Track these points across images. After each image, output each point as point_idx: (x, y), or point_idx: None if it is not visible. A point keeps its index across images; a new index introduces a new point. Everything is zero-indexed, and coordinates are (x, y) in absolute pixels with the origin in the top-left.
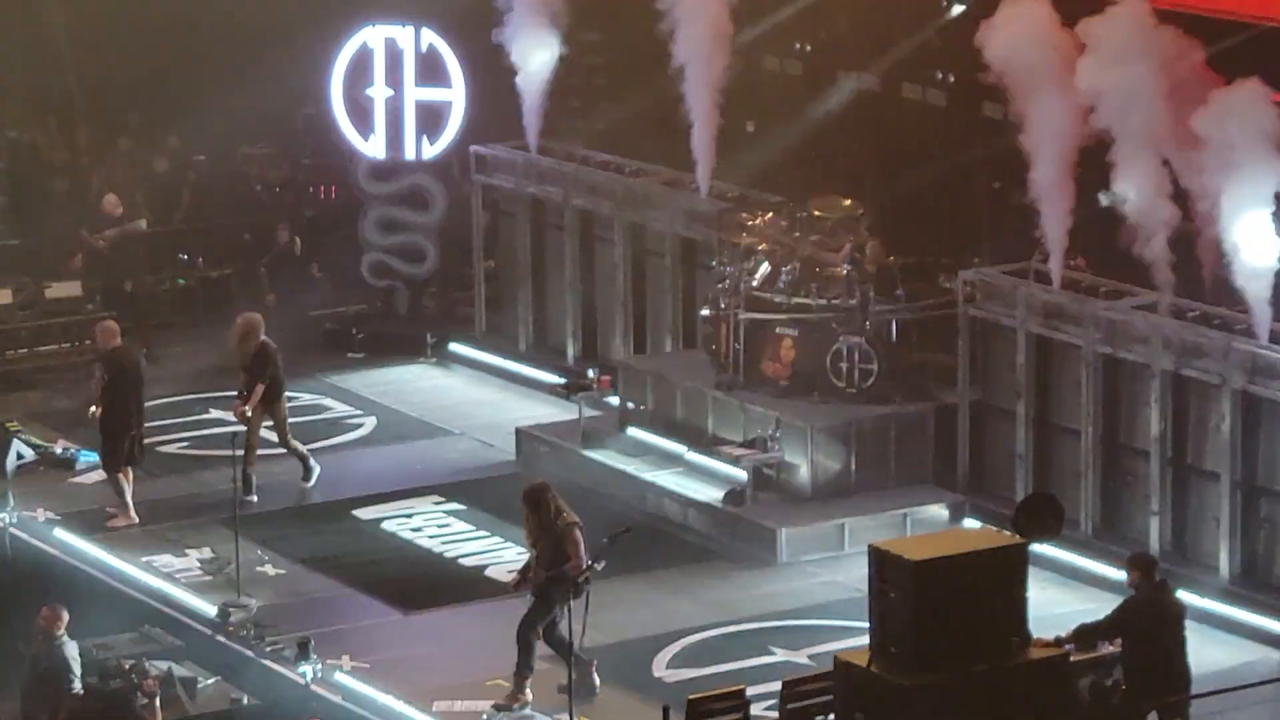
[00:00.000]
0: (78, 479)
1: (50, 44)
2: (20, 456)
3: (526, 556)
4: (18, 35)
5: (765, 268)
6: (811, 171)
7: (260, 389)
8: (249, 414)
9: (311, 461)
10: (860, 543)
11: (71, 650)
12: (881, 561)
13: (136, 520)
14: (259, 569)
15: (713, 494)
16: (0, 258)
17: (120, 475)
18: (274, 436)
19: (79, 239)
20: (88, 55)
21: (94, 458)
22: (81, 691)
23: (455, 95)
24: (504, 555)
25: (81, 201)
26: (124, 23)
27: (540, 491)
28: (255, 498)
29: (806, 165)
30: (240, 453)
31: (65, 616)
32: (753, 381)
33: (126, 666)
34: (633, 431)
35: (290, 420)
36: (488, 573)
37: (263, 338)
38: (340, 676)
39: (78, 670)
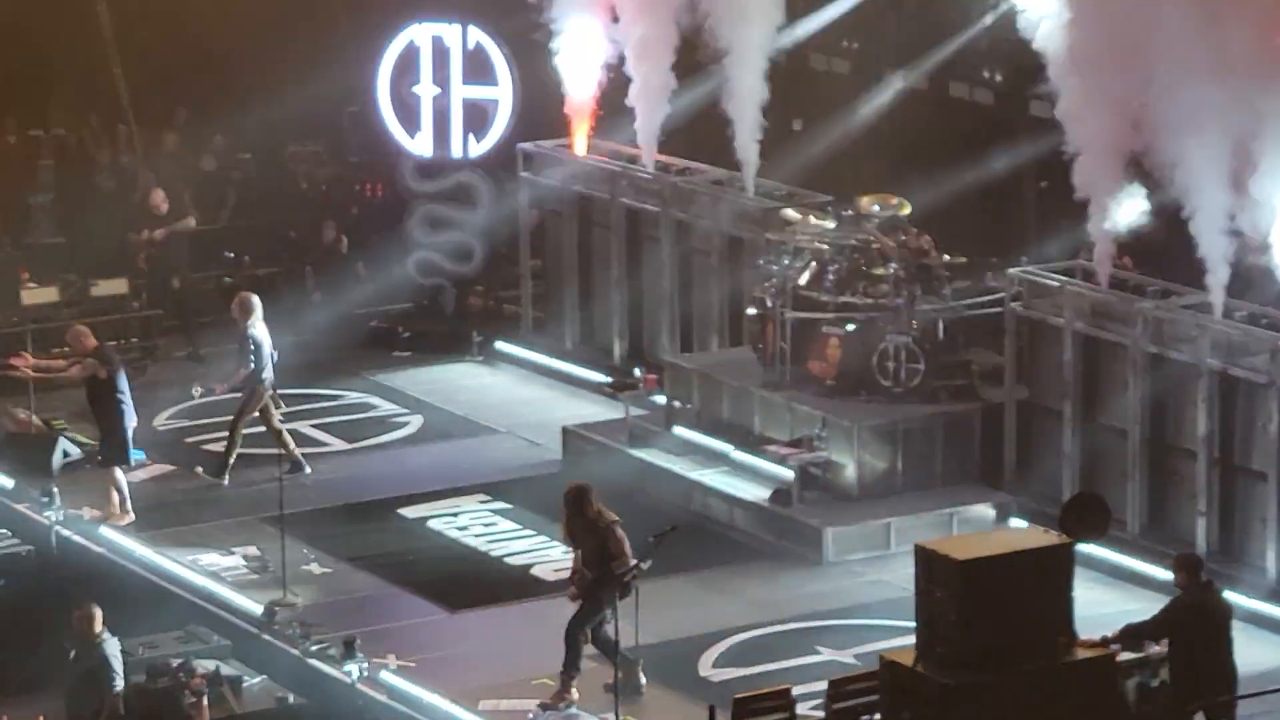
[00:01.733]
0: (126, 476)
1: (97, 42)
2: (66, 455)
3: (571, 558)
4: (65, 33)
5: (812, 267)
6: (858, 170)
7: (242, 372)
8: (217, 393)
9: (228, 470)
10: (906, 542)
11: (112, 648)
12: (928, 561)
13: (132, 517)
14: (305, 568)
15: (759, 493)
16: (46, 256)
17: (119, 471)
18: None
19: (130, 241)
20: (134, 53)
21: (141, 455)
22: (122, 689)
23: (502, 93)
24: (550, 554)
25: (127, 200)
26: (171, 21)
27: (582, 492)
28: (309, 469)
29: (854, 164)
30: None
31: (99, 615)
32: (799, 380)
33: (174, 665)
34: (679, 430)
35: (338, 419)
36: (533, 572)
37: (253, 319)
38: (386, 675)
39: (119, 668)
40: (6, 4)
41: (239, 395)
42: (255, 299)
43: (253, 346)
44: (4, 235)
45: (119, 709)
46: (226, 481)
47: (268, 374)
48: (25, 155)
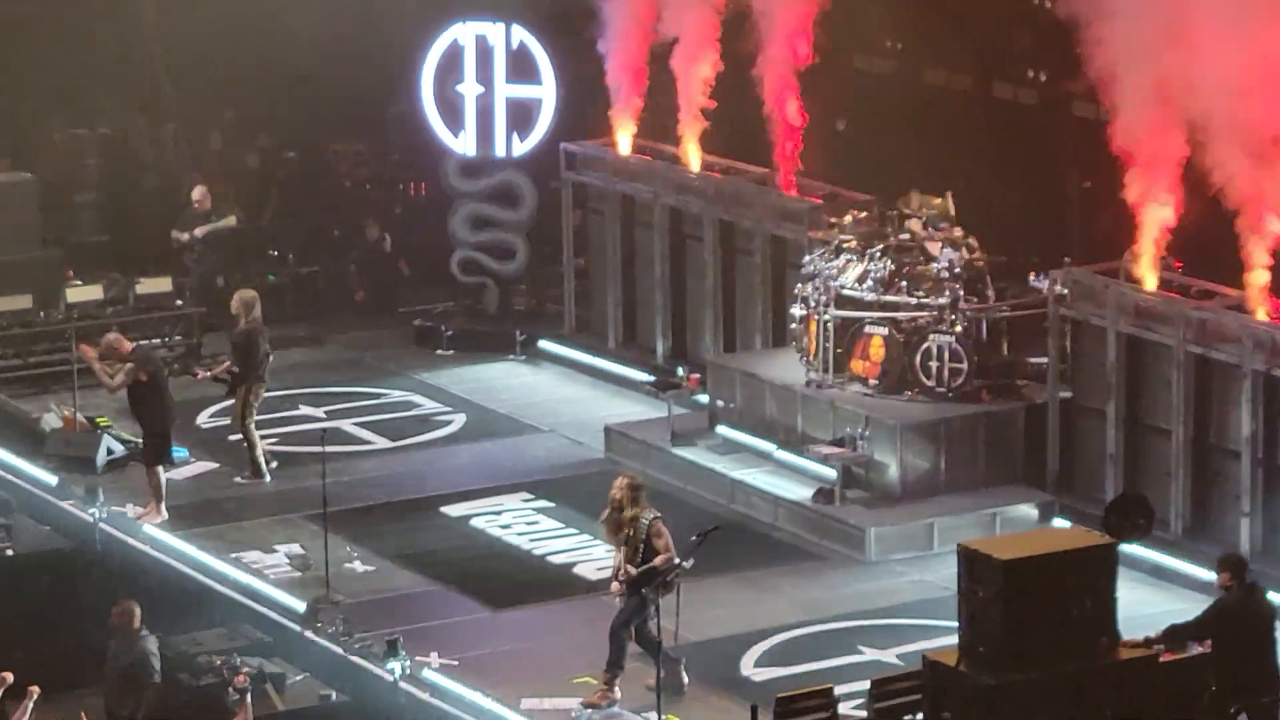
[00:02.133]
0: (168, 474)
1: (142, 41)
2: (110, 452)
3: (613, 556)
4: (110, 32)
5: (855, 266)
6: (902, 170)
7: (225, 365)
8: (198, 378)
9: (263, 465)
10: (949, 542)
11: (151, 645)
12: (971, 561)
13: (166, 517)
14: (348, 565)
15: (802, 493)
16: (91, 253)
17: (159, 471)
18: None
19: (175, 241)
20: (179, 52)
21: (185, 453)
22: (160, 682)
23: (546, 92)
24: (592, 553)
25: (171, 198)
26: (215, 20)
27: (630, 489)
28: (269, 479)
29: (897, 163)
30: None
31: (138, 611)
32: (842, 380)
33: (218, 662)
34: (722, 430)
35: (381, 417)
36: (576, 570)
37: (254, 317)
38: (428, 673)
39: (158, 665)
40: (54, 3)
41: (233, 395)
42: (256, 296)
43: (249, 344)
44: (49, 233)
45: (158, 705)
46: (269, 479)
47: (263, 372)
48: (71, 153)
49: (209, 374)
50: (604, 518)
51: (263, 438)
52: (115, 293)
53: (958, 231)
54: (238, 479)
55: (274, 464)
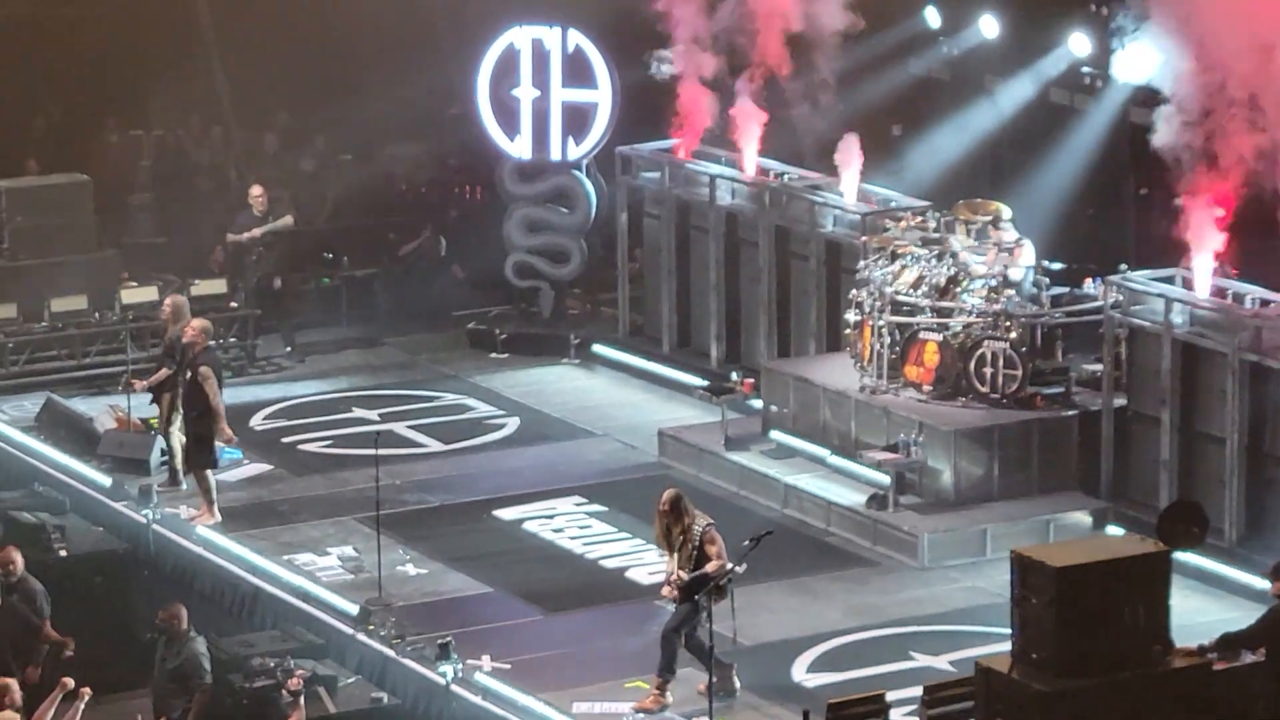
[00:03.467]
0: (221, 475)
1: (199, 43)
2: (164, 453)
3: (666, 561)
4: (167, 34)
5: (910, 272)
6: (958, 175)
7: (164, 373)
8: (138, 390)
9: (181, 475)
10: (1002, 548)
11: (200, 646)
12: (1024, 567)
13: (219, 519)
14: (400, 568)
15: (855, 498)
16: (146, 255)
17: (208, 474)
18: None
19: (227, 244)
20: (235, 55)
21: (238, 455)
22: (210, 683)
23: (602, 96)
24: (645, 557)
25: (226, 200)
26: (272, 22)
27: (678, 499)
28: (185, 485)
29: (953, 169)
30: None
31: (184, 613)
32: (896, 385)
33: (271, 665)
34: (775, 435)
35: (435, 420)
36: (629, 574)
37: (193, 325)
38: (480, 676)
39: (208, 665)
40: (108, 4)
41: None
42: (186, 303)
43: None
44: (104, 235)
45: (207, 707)
46: (184, 486)
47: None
48: (126, 155)
49: (146, 384)
50: (656, 532)
51: (313, 440)
52: (170, 294)
53: (1012, 237)
54: (156, 485)
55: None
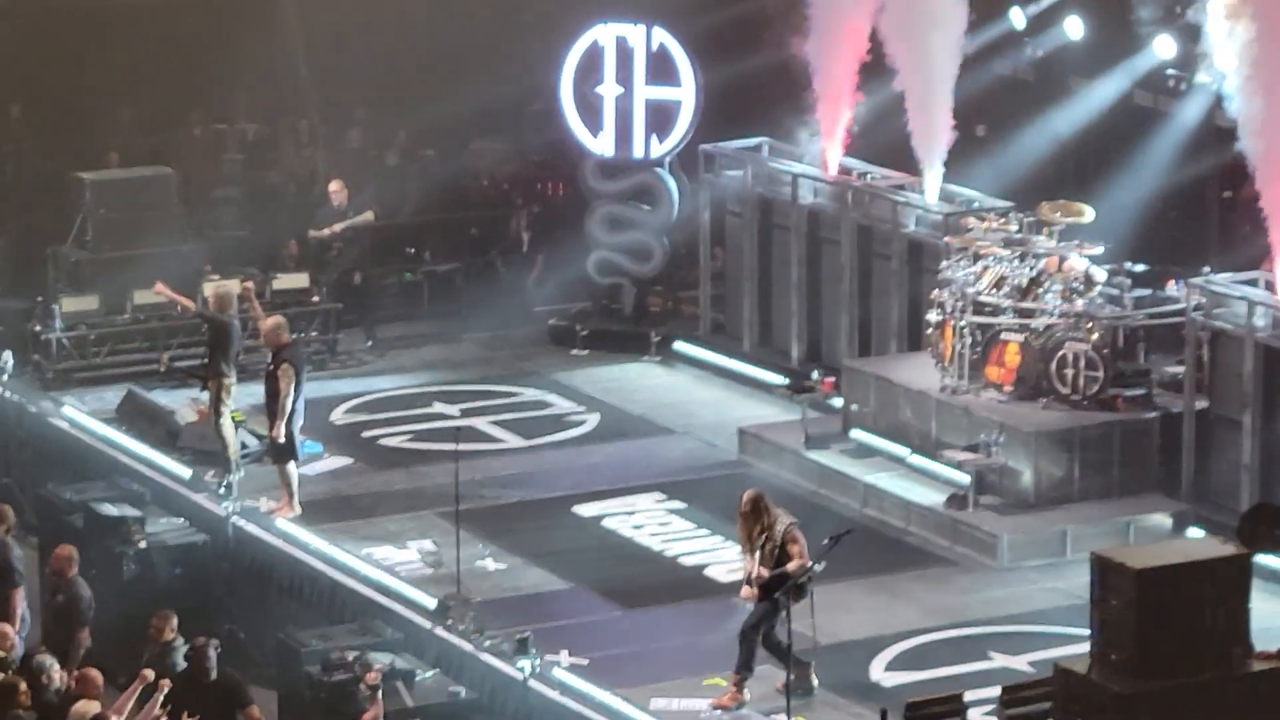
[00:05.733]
0: (301, 469)
1: (285, 38)
2: (245, 447)
3: (745, 559)
4: (253, 30)
5: (992, 272)
6: (1041, 176)
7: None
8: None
9: (233, 465)
10: (1082, 549)
11: (178, 657)
12: (1104, 569)
13: (299, 512)
14: (479, 563)
15: (935, 498)
16: (229, 248)
17: (289, 467)
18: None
19: (309, 239)
20: (322, 50)
21: (319, 448)
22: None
23: (685, 94)
24: (724, 555)
25: (309, 194)
26: (357, 17)
27: (757, 499)
28: (241, 473)
29: (1037, 170)
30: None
31: (174, 621)
32: (977, 386)
33: (349, 659)
34: (856, 433)
35: (515, 416)
36: (707, 572)
37: (231, 314)
38: (558, 672)
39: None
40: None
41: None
42: (233, 293)
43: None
44: (189, 228)
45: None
46: (241, 474)
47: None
48: (210, 148)
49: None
50: (739, 534)
51: (394, 434)
52: (252, 288)
53: (1095, 239)
54: (209, 477)
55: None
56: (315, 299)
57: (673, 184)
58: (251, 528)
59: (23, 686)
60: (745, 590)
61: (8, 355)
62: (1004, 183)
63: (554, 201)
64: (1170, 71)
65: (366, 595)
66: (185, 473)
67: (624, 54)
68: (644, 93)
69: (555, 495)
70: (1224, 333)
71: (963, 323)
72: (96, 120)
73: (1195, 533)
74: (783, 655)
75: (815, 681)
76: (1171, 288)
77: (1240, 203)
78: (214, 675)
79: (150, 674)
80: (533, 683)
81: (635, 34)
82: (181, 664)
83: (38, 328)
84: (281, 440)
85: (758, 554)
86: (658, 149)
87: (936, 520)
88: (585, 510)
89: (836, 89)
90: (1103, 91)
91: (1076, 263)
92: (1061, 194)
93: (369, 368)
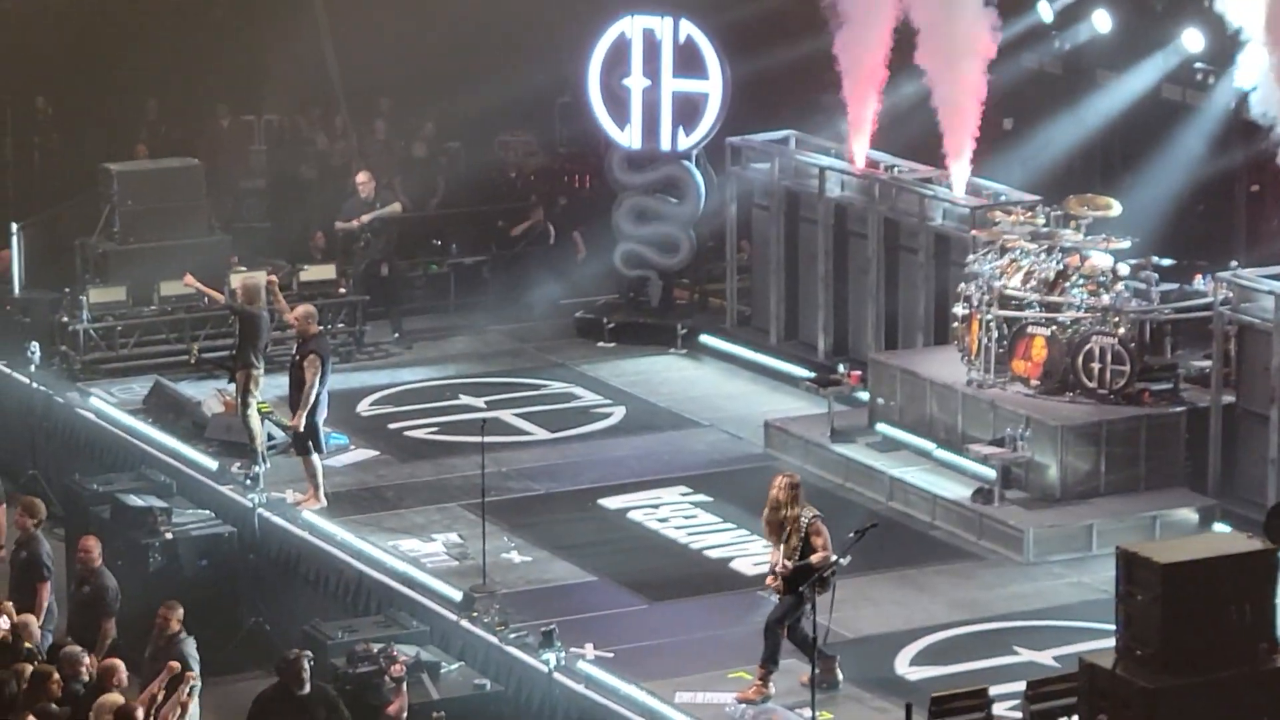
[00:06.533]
0: (327, 461)
1: (312, 30)
2: (271, 438)
3: (770, 552)
4: (281, 22)
5: (1019, 266)
6: (1069, 170)
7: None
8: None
9: (260, 457)
10: (1108, 544)
11: (189, 648)
12: (1130, 563)
13: (325, 504)
14: (505, 555)
15: (960, 492)
16: (255, 240)
17: (313, 459)
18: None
19: (336, 230)
20: (349, 41)
21: (344, 440)
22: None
23: (712, 87)
24: (750, 548)
25: (336, 186)
26: (384, 9)
27: (790, 488)
28: (267, 465)
29: (1064, 164)
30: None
31: (180, 612)
32: (1003, 380)
33: (374, 650)
34: (881, 427)
35: (541, 409)
36: (733, 565)
37: (261, 305)
38: (583, 664)
39: (197, 668)
40: None
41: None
42: (260, 284)
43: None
44: (216, 219)
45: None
46: (268, 465)
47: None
48: (238, 140)
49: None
50: (765, 516)
51: (420, 426)
52: (279, 279)
53: (1123, 233)
54: (235, 468)
55: (267, 464)
56: (342, 290)
57: (699, 177)
58: (278, 519)
59: (55, 676)
60: (769, 580)
61: (35, 346)
62: (1031, 176)
63: (580, 193)
64: (1198, 65)
65: (392, 587)
66: (212, 464)
67: (651, 46)
68: (671, 85)
69: (581, 488)
70: (1251, 327)
71: (989, 316)
72: (124, 112)
73: (1221, 528)
74: (808, 649)
75: (840, 675)
76: (1199, 282)
77: (1268, 197)
78: (308, 688)
79: (177, 665)
80: (558, 675)
81: (662, 26)
82: (189, 655)
83: (65, 319)
84: (302, 430)
85: (782, 546)
86: (684, 141)
87: (962, 514)
88: (611, 503)
89: (863, 82)
90: (1130, 85)
91: (1099, 260)
92: (1089, 188)
93: (395, 360)
